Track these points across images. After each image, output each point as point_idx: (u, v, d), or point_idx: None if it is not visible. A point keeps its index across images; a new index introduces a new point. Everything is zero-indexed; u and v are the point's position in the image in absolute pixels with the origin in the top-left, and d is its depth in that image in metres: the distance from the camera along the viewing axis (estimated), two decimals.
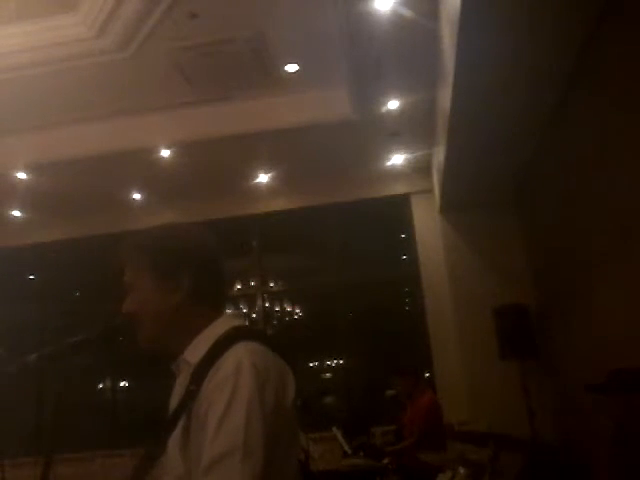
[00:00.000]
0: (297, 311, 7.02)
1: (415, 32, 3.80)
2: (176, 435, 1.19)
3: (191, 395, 1.18)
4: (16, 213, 6.25)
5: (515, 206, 5.61)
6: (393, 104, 4.72)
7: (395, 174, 5.99)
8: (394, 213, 6.33)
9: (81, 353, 1.30)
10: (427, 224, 6.08)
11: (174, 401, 1.30)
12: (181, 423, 1.19)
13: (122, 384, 6.94)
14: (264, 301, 6.58)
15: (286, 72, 4.68)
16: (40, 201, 5.97)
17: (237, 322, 1.33)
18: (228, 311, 1.41)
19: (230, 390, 1.12)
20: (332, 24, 3.86)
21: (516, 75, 3.46)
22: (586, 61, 3.30)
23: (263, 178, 5.99)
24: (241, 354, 1.17)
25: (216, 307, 1.35)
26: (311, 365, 7.01)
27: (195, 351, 1.27)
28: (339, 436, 4.66)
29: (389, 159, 5.77)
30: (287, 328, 6.80)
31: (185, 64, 4.46)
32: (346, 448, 4.55)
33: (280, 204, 6.38)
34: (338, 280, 6.52)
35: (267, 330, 6.51)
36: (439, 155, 5.03)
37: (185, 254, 1.34)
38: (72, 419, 5.74)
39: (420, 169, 5.96)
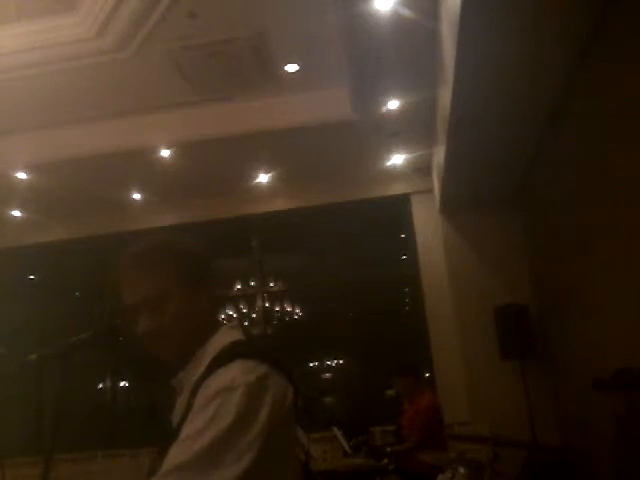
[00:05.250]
0: (297, 311, 7.02)
1: (415, 32, 3.79)
2: None
3: (188, 411, 1.17)
4: (16, 213, 6.25)
5: (515, 206, 5.61)
6: (393, 104, 4.72)
7: (395, 174, 5.99)
8: (394, 213, 6.32)
9: (81, 353, 1.30)
10: (427, 224, 6.08)
11: (176, 418, 1.27)
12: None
13: (122, 384, 6.94)
14: (264, 301, 6.57)
15: (286, 72, 4.68)
16: (40, 201, 5.96)
17: (237, 335, 1.30)
18: (230, 313, 1.41)
19: (216, 406, 1.09)
20: (332, 24, 3.86)
21: (516, 75, 3.45)
22: (587, 61, 3.30)
23: (263, 178, 5.99)
24: (236, 373, 1.14)
25: (215, 313, 1.35)
26: (311, 365, 7.02)
27: (195, 369, 1.25)
28: (339, 436, 4.66)
29: (389, 159, 5.76)
30: (287, 328, 6.80)
31: (185, 64, 4.46)
32: (346, 448, 4.55)
33: (280, 204, 6.38)
34: (338, 280, 6.52)
35: (267, 330, 6.51)
36: (439, 155, 5.03)
37: (201, 261, 1.32)
38: (72, 419, 5.74)
39: (420, 169, 5.96)
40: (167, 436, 1.20)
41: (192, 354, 1.27)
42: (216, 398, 1.10)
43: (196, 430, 1.08)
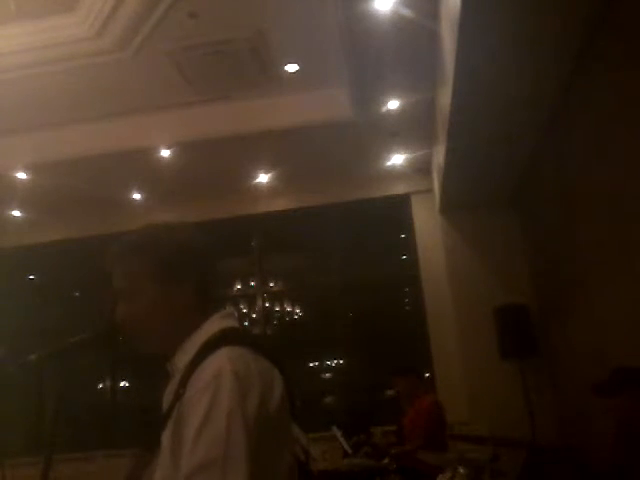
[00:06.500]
0: (297, 311, 7.01)
1: (415, 32, 3.80)
2: (165, 438, 1.18)
3: (178, 400, 1.17)
4: (16, 213, 6.25)
5: (515, 206, 5.61)
6: (393, 104, 4.72)
7: (395, 174, 5.99)
8: (394, 213, 6.32)
9: (81, 353, 1.30)
10: (427, 224, 6.08)
11: (166, 402, 1.29)
12: (170, 425, 1.17)
13: (122, 384, 6.94)
14: (264, 301, 6.57)
15: (286, 72, 4.67)
16: (40, 201, 5.96)
17: (227, 323, 1.30)
18: (229, 309, 1.40)
19: (208, 399, 1.10)
20: (332, 24, 3.86)
21: (516, 75, 3.46)
22: (587, 61, 3.30)
23: (263, 178, 5.99)
24: (223, 361, 1.15)
25: (211, 307, 1.34)
26: (311, 365, 7.01)
27: (184, 355, 1.26)
28: (339, 436, 4.65)
29: (389, 159, 5.77)
30: (287, 328, 6.79)
31: (185, 64, 4.46)
32: (346, 448, 4.55)
33: (280, 204, 6.38)
34: (338, 280, 6.51)
35: (267, 330, 6.51)
36: (439, 155, 5.03)
37: (186, 253, 1.32)
38: (72, 419, 5.73)
39: (420, 169, 5.96)
40: (155, 430, 1.20)
41: (179, 343, 1.28)
42: (206, 391, 1.11)
43: (195, 432, 1.08)
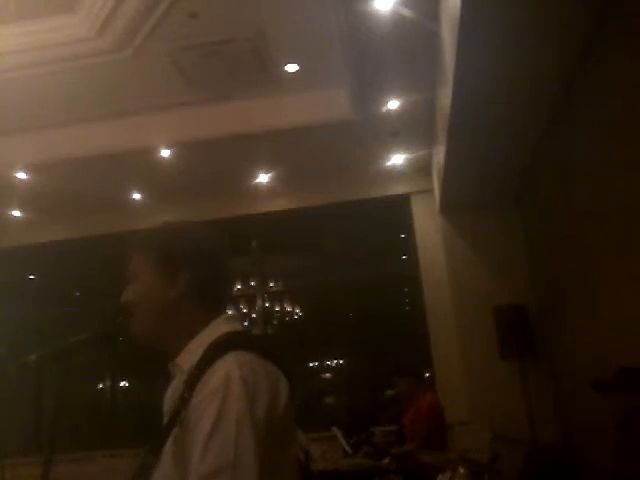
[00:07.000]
0: (297, 311, 7.02)
1: (415, 32, 3.80)
2: (170, 443, 1.18)
3: (184, 404, 1.16)
4: (16, 213, 6.25)
5: (515, 206, 5.62)
6: (393, 104, 4.72)
7: (395, 174, 5.99)
8: (394, 213, 6.32)
9: (81, 352, 1.30)
10: (427, 224, 6.08)
11: (167, 404, 1.29)
12: (174, 431, 1.17)
13: (122, 384, 6.94)
14: (264, 301, 6.58)
15: (286, 72, 4.67)
16: (40, 201, 5.96)
17: (232, 326, 1.31)
18: (229, 312, 1.40)
19: (217, 406, 1.10)
20: (332, 24, 3.86)
21: (517, 75, 3.45)
22: (588, 60, 3.30)
23: (263, 178, 5.99)
24: (231, 366, 1.15)
25: (215, 309, 1.34)
26: (311, 365, 7.02)
27: (188, 357, 1.26)
28: (339, 436, 4.65)
29: (389, 159, 5.77)
30: (287, 328, 6.80)
31: (185, 64, 4.46)
32: (346, 448, 4.55)
33: (280, 204, 6.38)
34: (338, 280, 6.52)
35: (267, 330, 6.51)
36: (439, 155, 5.04)
37: (188, 253, 1.35)
38: (72, 419, 5.74)
39: (420, 169, 5.96)
40: (158, 431, 1.20)
41: (178, 341, 1.29)
42: (215, 397, 1.11)
43: (204, 439, 1.09)
